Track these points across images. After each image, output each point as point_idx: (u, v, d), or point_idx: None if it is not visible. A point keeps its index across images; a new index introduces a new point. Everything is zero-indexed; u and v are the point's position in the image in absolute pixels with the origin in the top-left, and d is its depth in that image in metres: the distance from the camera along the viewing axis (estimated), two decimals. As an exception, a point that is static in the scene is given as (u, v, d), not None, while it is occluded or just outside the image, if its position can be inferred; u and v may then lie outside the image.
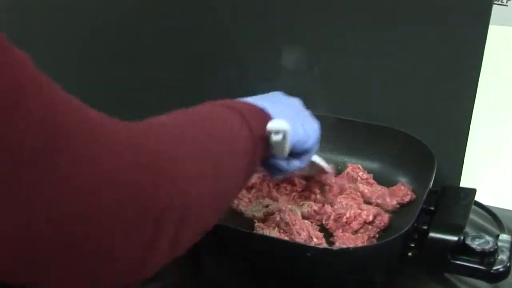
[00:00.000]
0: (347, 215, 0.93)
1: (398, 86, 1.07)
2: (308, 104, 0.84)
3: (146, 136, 0.52)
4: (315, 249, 0.81)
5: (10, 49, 0.40)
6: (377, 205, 0.98)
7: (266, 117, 0.72)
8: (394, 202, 0.98)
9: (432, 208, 0.89)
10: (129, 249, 0.47)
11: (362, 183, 1.02)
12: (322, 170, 0.99)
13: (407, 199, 0.98)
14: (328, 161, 1.01)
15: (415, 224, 0.83)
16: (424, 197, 0.88)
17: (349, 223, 0.93)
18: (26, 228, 0.40)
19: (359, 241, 0.90)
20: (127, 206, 0.45)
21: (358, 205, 0.96)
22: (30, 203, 0.39)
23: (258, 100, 0.74)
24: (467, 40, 0.97)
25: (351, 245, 0.88)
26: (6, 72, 0.39)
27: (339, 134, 1.07)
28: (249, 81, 1.11)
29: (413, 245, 0.84)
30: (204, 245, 0.66)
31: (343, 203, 0.96)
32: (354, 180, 1.02)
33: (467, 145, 1.03)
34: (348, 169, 1.04)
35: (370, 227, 0.93)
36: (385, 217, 0.94)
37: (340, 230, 0.92)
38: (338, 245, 0.90)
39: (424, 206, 0.87)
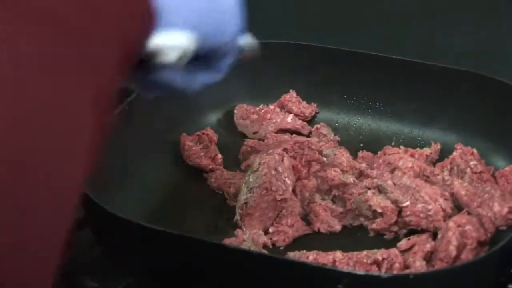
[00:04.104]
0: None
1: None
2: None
3: None
4: (352, 277, 0.66)
5: None
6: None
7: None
8: (506, 211, 0.75)
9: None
10: None
11: (469, 179, 0.81)
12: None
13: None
14: (372, 134, 0.81)
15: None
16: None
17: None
18: None
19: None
20: None
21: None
22: None
23: None
24: None
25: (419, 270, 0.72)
26: None
27: (389, 86, 0.88)
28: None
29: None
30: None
31: (424, 196, 0.76)
32: (461, 172, 0.82)
33: None
34: (455, 154, 0.84)
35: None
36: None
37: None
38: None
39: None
